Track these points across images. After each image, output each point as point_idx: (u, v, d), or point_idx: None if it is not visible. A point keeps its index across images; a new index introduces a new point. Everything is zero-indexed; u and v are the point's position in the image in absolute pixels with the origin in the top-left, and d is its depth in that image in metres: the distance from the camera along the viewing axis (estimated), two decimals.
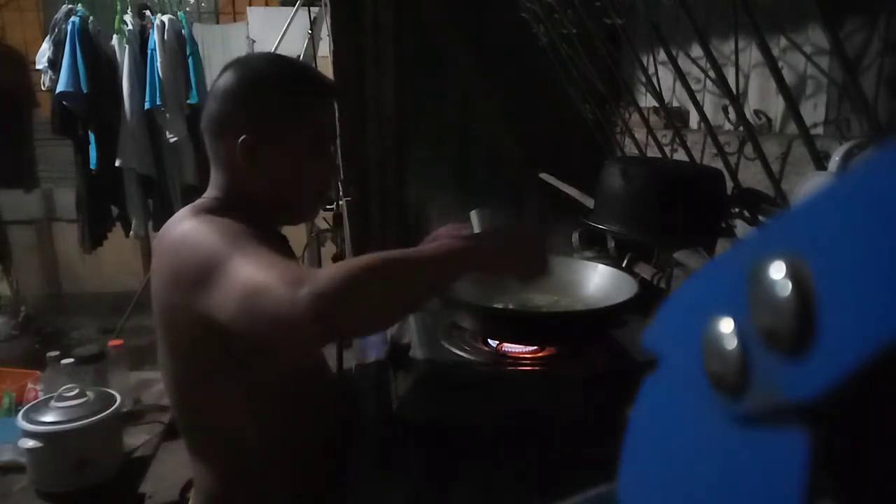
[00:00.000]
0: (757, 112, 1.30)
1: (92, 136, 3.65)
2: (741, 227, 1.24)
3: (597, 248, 1.68)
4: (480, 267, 0.93)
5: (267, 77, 1.04)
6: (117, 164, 3.65)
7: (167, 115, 3.62)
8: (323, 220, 2.95)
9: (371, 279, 0.78)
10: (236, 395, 1.02)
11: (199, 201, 1.06)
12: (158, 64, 3.56)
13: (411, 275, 0.84)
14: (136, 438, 1.63)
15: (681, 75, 1.32)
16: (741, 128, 1.20)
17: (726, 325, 0.20)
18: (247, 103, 1.02)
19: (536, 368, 1.12)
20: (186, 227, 0.96)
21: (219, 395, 1.02)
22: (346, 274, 0.77)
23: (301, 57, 3.05)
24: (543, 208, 1.95)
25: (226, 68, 1.06)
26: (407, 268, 0.84)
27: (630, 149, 1.91)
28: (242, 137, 1.00)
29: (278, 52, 2.83)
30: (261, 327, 0.80)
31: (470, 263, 0.90)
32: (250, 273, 0.81)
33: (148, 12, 3.69)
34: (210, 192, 1.07)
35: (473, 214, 1.44)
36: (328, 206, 2.78)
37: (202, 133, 1.07)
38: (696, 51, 1.43)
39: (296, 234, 2.11)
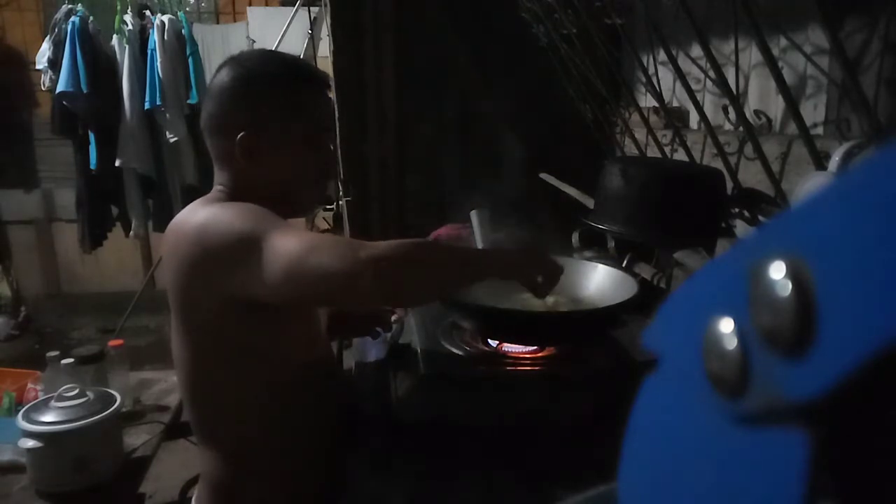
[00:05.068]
0: (757, 112, 1.30)
1: (92, 136, 3.65)
2: (741, 227, 1.24)
3: (597, 248, 1.68)
4: (503, 275, 1.02)
5: (262, 74, 1.05)
6: (117, 164, 3.65)
7: (167, 115, 3.62)
8: (323, 220, 2.95)
9: (423, 257, 0.90)
10: (248, 379, 1.03)
11: (207, 195, 1.07)
12: (158, 64, 3.56)
13: (454, 263, 0.95)
14: (136, 438, 1.63)
15: (681, 75, 1.32)
16: (741, 128, 1.20)
17: (726, 325, 0.20)
18: (243, 101, 1.03)
19: (536, 368, 1.12)
20: (206, 213, 0.97)
21: (231, 379, 1.03)
22: (403, 246, 0.87)
23: (301, 57, 3.05)
24: (542, 210, 1.95)
25: (221, 67, 1.07)
26: (450, 257, 0.96)
27: (630, 149, 1.91)
28: (241, 135, 1.01)
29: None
30: (317, 284, 0.86)
31: (495, 270, 1.00)
32: (300, 238, 0.87)
33: (148, 12, 3.69)
34: (215, 189, 1.08)
35: (473, 214, 1.45)
36: (328, 207, 2.78)
37: (202, 132, 1.08)
38: (696, 51, 1.43)
39: None
